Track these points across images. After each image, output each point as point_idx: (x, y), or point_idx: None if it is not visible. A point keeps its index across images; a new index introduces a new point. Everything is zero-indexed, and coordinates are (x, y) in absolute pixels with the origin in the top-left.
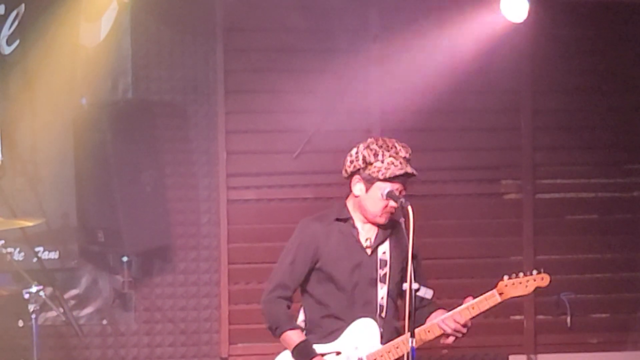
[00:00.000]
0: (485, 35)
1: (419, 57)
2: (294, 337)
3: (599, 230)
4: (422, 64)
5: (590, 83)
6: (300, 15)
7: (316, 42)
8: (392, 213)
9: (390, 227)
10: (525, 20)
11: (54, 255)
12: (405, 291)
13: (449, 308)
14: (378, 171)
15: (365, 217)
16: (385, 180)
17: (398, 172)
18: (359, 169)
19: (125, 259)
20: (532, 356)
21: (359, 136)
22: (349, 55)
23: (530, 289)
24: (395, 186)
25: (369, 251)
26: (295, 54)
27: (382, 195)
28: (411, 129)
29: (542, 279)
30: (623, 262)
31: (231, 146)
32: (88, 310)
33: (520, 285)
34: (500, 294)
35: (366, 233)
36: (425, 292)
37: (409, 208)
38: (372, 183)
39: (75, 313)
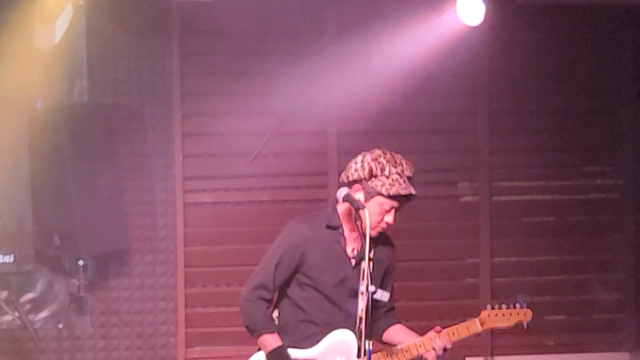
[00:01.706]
0: (441, 38)
1: (376, 59)
2: (271, 340)
3: (555, 232)
4: (379, 66)
5: (546, 86)
6: (256, 18)
7: (272, 45)
8: (383, 229)
9: (375, 239)
10: (481, 24)
11: (9, 259)
12: (362, 293)
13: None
14: (382, 186)
15: (355, 228)
16: (387, 196)
17: (402, 192)
18: (362, 179)
19: (81, 262)
20: (489, 358)
21: (315, 139)
22: (306, 57)
23: (512, 322)
24: (394, 204)
25: (353, 262)
26: (251, 56)
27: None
28: (368, 131)
29: (524, 314)
30: (579, 265)
31: (187, 149)
32: (44, 314)
33: (502, 317)
34: (482, 323)
35: (352, 242)
36: (382, 295)
37: (365, 212)
38: (373, 196)
39: (30, 317)
